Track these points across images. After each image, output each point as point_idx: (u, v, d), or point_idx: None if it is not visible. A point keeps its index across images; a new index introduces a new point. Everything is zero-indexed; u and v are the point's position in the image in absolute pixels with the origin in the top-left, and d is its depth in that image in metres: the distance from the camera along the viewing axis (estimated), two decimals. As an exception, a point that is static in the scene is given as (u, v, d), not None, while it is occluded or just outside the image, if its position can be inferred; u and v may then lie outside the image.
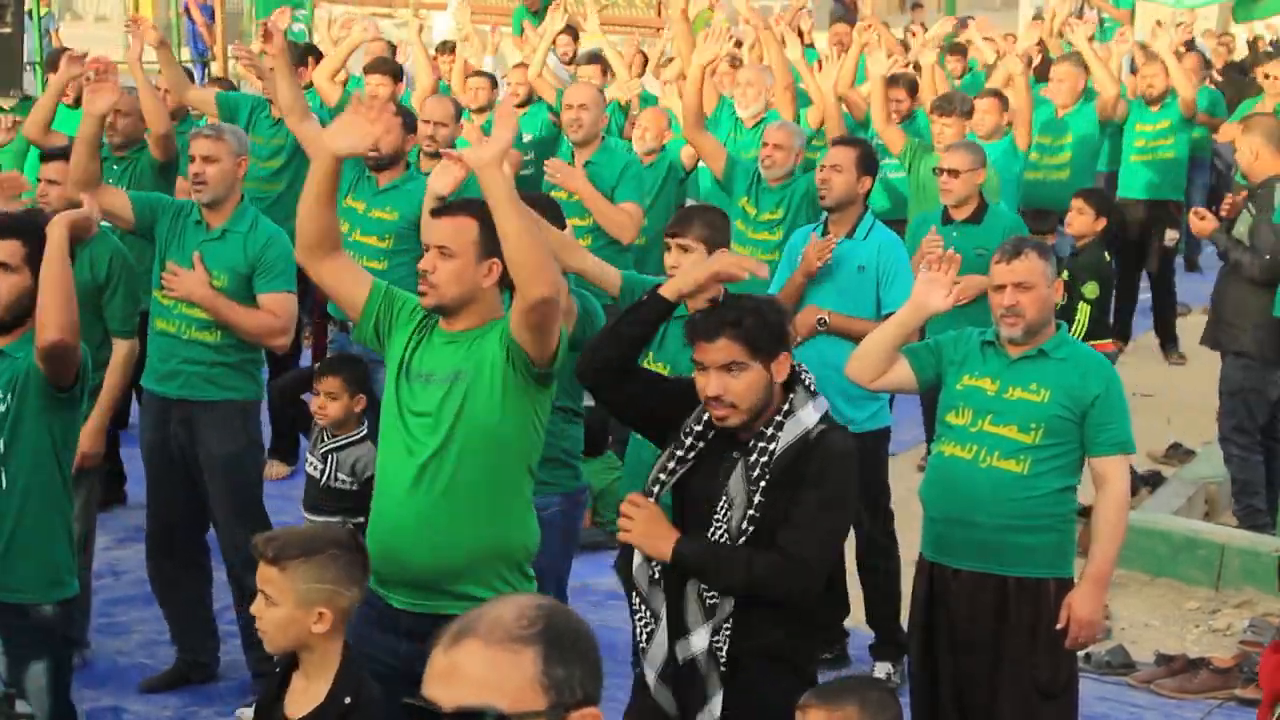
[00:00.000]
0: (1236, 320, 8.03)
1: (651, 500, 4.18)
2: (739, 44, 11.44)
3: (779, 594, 4.06)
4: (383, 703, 3.82)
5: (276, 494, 6.95)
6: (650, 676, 4.18)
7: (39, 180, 6.72)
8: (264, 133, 8.92)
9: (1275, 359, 7.95)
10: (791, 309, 6.30)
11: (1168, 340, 11.69)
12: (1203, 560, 7.62)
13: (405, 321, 4.47)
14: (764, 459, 4.07)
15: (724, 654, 4.07)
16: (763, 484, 4.05)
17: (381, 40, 13.49)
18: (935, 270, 5.06)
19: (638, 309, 4.38)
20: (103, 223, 6.47)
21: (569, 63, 12.80)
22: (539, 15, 13.85)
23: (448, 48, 12.25)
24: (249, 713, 5.52)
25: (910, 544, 5.73)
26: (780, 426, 4.10)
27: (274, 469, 8.14)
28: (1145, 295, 11.79)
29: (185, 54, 18.38)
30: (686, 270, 4.35)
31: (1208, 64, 14.46)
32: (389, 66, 9.98)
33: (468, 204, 4.46)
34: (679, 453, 4.18)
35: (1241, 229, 8.09)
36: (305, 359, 9.42)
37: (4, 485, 4.76)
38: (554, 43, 11.77)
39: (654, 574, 4.17)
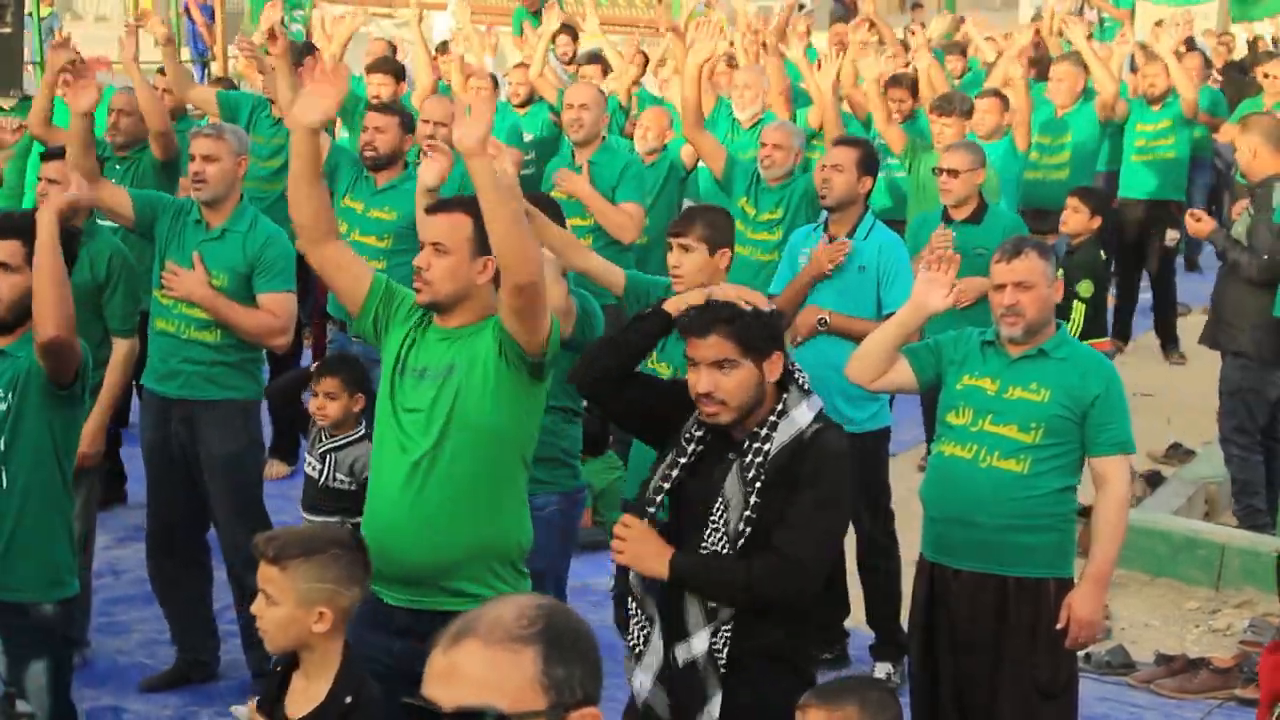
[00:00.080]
0: (1235, 320, 8.02)
1: (650, 510, 4.18)
2: (733, 43, 11.44)
3: (777, 597, 4.06)
4: (383, 702, 3.82)
5: (276, 494, 6.95)
6: (643, 681, 4.18)
7: (39, 180, 6.72)
8: (264, 132, 8.91)
9: (1274, 359, 7.93)
10: (795, 310, 6.31)
11: (1168, 340, 11.69)
12: (1203, 560, 7.62)
13: (403, 318, 4.49)
14: (759, 460, 4.07)
15: (724, 655, 4.08)
16: (758, 485, 4.05)
17: (382, 40, 13.50)
18: (934, 270, 5.06)
19: (640, 321, 4.40)
20: (103, 222, 6.49)
21: (569, 63, 12.80)
22: (538, 16, 13.84)
23: (447, 48, 12.24)
24: (244, 710, 5.52)
25: (910, 544, 5.72)
26: (774, 427, 4.10)
27: (274, 469, 8.14)
28: (1145, 295, 11.79)
29: (185, 54, 18.34)
30: (695, 294, 4.37)
31: (1209, 64, 14.44)
32: (391, 66, 9.97)
33: (462, 201, 4.47)
34: (681, 460, 4.18)
35: (1240, 229, 8.08)
36: (305, 359, 9.42)
37: (4, 484, 4.77)
38: (553, 41, 11.76)
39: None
